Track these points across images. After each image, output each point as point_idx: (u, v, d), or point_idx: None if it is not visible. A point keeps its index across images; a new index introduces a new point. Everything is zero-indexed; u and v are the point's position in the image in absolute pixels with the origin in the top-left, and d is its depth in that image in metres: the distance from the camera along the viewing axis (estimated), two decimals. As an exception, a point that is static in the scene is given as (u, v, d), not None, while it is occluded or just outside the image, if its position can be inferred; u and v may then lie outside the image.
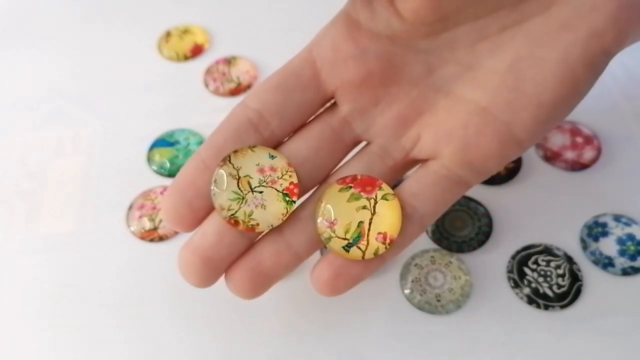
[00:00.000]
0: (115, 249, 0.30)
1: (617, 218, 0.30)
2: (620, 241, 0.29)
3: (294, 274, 0.29)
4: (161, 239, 0.30)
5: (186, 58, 0.39)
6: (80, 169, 0.33)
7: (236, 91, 0.37)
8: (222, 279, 0.23)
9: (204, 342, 0.27)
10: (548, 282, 0.28)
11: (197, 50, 0.39)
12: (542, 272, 0.28)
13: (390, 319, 0.28)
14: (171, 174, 0.33)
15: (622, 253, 0.29)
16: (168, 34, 0.39)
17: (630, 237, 0.29)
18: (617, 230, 0.29)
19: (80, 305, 0.29)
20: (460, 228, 0.30)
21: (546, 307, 0.27)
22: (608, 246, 0.29)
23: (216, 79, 0.37)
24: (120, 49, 0.39)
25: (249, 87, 0.37)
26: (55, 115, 0.36)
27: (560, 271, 0.28)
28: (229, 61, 0.38)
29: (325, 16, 0.25)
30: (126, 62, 0.38)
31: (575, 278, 0.28)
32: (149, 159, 0.34)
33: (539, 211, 0.30)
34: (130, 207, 0.32)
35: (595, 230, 0.30)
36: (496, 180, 0.31)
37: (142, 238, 0.30)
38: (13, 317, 0.28)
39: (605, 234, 0.29)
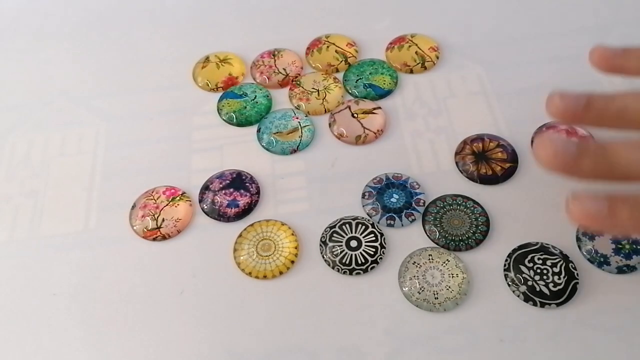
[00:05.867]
0: (118, 247, 0.31)
1: (613, 217, 0.30)
2: (616, 240, 0.29)
3: (293, 275, 0.29)
4: (164, 238, 0.31)
5: (217, 89, 0.37)
6: (84, 169, 0.34)
7: (284, 83, 0.37)
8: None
9: (205, 339, 0.28)
10: (544, 280, 0.28)
11: (229, 82, 0.37)
12: (539, 270, 0.29)
13: (389, 316, 0.28)
14: (240, 124, 0.35)
15: (617, 251, 0.29)
16: (207, 59, 0.38)
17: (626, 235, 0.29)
18: (613, 229, 0.30)
19: (82, 303, 0.29)
20: (458, 227, 0.30)
21: (542, 305, 0.28)
22: (604, 245, 0.29)
23: (263, 71, 0.37)
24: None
25: (296, 77, 0.37)
26: (60, 115, 0.36)
27: (556, 269, 0.29)
28: (273, 54, 0.38)
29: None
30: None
31: (571, 276, 0.28)
32: (219, 110, 0.35)
33: (536, 210, 0.31)
34: (134, 207, 0.32)
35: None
36: (493, 179, 0.32)
37: (145, 237, 0.31)
38: (17, 314, 0.29)
39: (600, 232, 0.30)
